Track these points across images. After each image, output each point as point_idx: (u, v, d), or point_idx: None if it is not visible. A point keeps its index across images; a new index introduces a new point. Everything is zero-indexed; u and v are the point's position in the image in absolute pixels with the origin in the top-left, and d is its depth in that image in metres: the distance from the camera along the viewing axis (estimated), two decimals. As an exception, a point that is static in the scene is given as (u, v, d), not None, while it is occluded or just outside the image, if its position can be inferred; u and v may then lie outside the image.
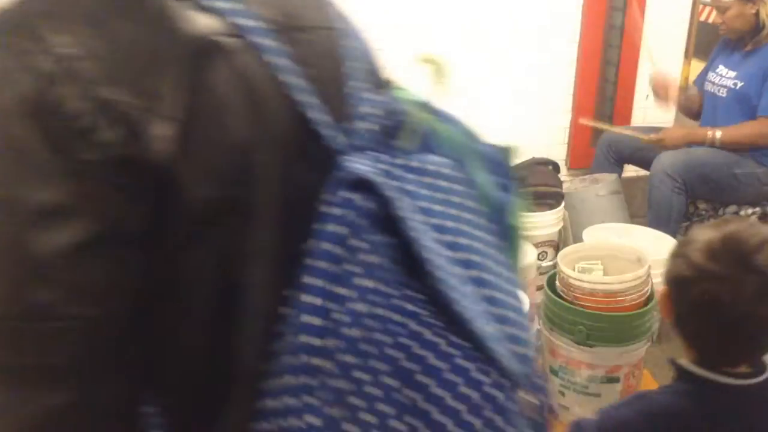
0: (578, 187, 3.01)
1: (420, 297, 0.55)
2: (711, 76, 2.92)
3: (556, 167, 2.89)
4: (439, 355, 0.54)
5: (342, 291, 0.52)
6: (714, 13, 3.25)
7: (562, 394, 2.01)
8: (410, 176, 0.58)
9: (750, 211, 2.87)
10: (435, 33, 3.19)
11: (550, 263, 2.69)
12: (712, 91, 2.90)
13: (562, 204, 2.77)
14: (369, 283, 0.53)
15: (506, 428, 0.55)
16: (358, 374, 0.51)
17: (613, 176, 3.01)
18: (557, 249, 2.74)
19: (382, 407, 0.51)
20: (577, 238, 2.69)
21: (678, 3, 3.38)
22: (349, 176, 0.55)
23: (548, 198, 2.75)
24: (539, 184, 2.75)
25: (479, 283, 0.59)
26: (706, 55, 3.09)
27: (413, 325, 0.54)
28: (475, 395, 0.54)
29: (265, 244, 0.54)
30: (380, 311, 0.53)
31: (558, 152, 3.51)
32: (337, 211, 0.54)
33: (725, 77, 2.83)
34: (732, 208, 2.88)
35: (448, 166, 0.61)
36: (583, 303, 1.90)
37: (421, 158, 0.60)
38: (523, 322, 0.63)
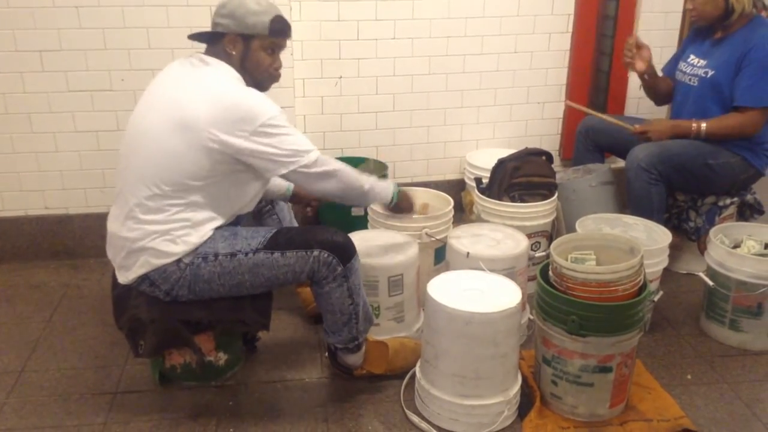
0: (571, 177, 3.02)
1: None
2: (682, 65, 2.91)
3: (549, 158, 2.88)
4: None
5: None
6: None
7: (555, 383, 2.02)
8: None
9: (728, 201, 2.87)
10: (430, 24, 3.19)
11: (543, 253, 2.70)
12: (683, 80, 2.89)
13: (556, 194, 2.78)
14: None
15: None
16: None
17: (606, 167, 3.01)
18: (550, 239, 2.75)
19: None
20: (570, 229, 2.69)
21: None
22: None
23: (542, 188, 2.75)
24: (533, 174, 2.74)
25: None
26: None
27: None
28: None
29: None
30: None
31: (551, 143, 3.52)
32: None
33: (696, 66, 2.83)
34: (710, 199, 2.87)
35: None
36: (575, 293, 1.91)
37: None
38: None
